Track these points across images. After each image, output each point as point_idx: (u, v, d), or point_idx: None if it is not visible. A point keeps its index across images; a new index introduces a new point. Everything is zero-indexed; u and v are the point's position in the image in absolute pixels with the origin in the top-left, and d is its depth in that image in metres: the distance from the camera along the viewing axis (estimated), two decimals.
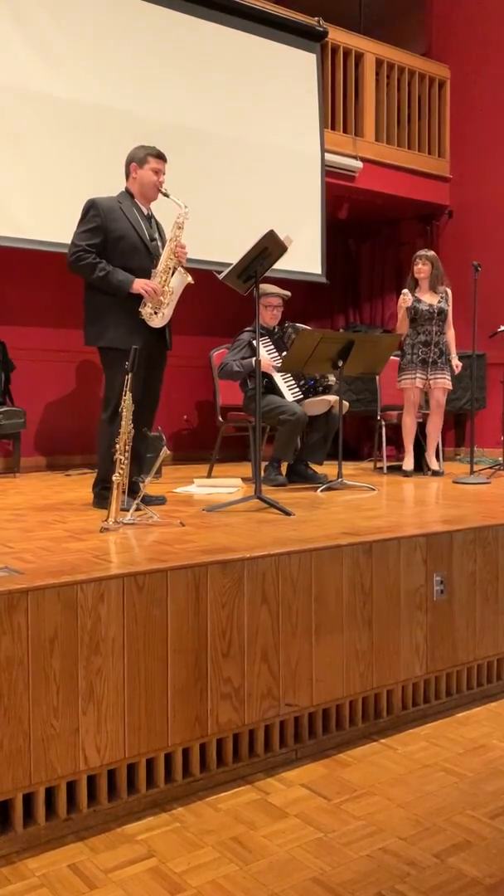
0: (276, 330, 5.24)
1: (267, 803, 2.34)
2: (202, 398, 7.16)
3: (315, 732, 2.72)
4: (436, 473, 5.54)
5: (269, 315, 5.19)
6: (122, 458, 3.27)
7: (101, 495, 3.83)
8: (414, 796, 2.37)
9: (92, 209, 3.77)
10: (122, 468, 3.25)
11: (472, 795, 2.37)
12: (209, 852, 2.07)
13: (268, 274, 3.99)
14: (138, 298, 3.75)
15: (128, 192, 3.90)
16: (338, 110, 7.10)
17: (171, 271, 3.81)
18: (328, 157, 6.85)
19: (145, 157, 3.85)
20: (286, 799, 2.37)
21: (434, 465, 5.61)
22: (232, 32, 6.38)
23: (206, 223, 6.19)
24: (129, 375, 3.29)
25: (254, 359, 3.80)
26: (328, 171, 6.87)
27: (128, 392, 3.29)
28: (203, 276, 5.96)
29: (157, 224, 3.98)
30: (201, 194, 6.20)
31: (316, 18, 6.79)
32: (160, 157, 3.88)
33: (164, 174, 3.89)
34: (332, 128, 7.03)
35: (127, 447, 3.29)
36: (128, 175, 3.91)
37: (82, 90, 5.63)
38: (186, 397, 7.14)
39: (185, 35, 6.14)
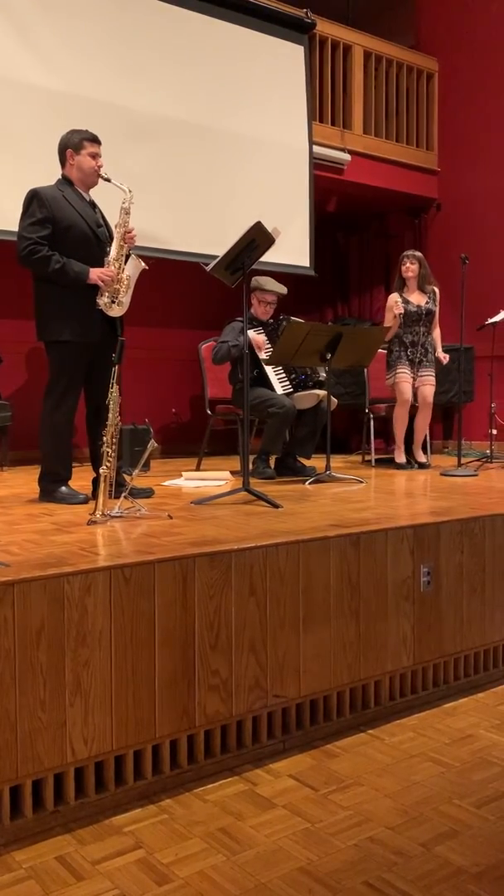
0: (269, 321, 5.22)
1: (255, 794, 2.35)
2: (191, 391, 7.15)
3: (303, 723, 2.72)
4: (422, 466, 5.56)
5: (262, 310, 5.15)
6: (110, 450, 3.26)
7: (48, 490, 3.80)
8: (401, 786, 2.38)
9: (35, 199, 3.63)
10: (109, 461, 3.24)
11: (459, 785, 2.38)
12: (197, 843, 2.07)
13: (256, 266, 3.98)
14: (94, 289, 3.66)
15: (66, 180, 3.76)
16: (326, 103, 7.09)
17: (123, 258, 3.73)
18: (316, 149, 6.84)
19: (81, 143, 3.71)
20: (274, 790, 2.37)
21: (421, 457, 5.63)
22: (220, 24, 6.35)
23: (194, 215, 6.19)
24: (117, 367, 3.27)
25: (245, 342, 3.77)
26: (316, 164, 6.86)
27: (114, 384, 3.28)
28: (191, 269, 5.95)
29: (100, 210, 3.87)
30: (189, 186, 6.19)
31: (304, 10, 6.77)
32: (96, 140, 3.75)
33: (101, 157, 3.76)
34: (321, 120, 7.02)
35: (114, 440, 3.28)
36: (63, 162, 3.76)
37: (69, 81, 5.60)
38: (175, 390, 7.13)
39: (173, 26, 6.11)
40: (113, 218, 3.79)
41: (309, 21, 6.79)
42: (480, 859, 1.98)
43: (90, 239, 3.71)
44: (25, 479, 4.82)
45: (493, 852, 2.01)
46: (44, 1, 5.48)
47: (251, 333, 4.83)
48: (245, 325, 3.81)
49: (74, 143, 3.72)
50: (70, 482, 3.83)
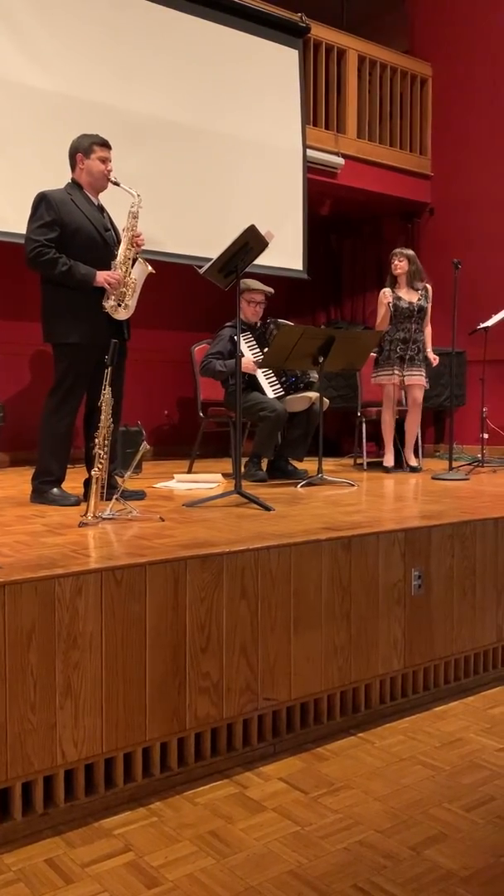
0: (257, 325, 5.23)
1: (244, 797, 2.35)
2: (183, 393, 7.15)
3: (293, 726, 2.72)
4: (414, 469, 5.57)
5: (252, 311, 5.17)
6: (102, 452, 3.25)
7: (40, 490, 3.80)
8: (391, 789, 2.38)
9: (44, 202, 3.65)
10: (101, 463, 3.24)
11: (449, 788, 2.39)
12: (186, 846, 2.07)
13: (249, 269, 3.99)
14: (101, 292, 3.68)
15: (76, 184, 3.79)
16: (320, 107, 7.10)
17: (130, 262, 3.75)
18: (310, 153, 6.86)
19: (91, 147, 3.73)
20: (264, 793, 2.37)
21: (412, 461, 5.64)
22: (214, 27, 6.36)
23: (188, 218, 6.19)
24: (109, 369, 3.27)
25: (235, 358, 3.79)
26: (310, 168, 6.88)
27: (107, 386, 3.28)
28: (184, 271, 5.96)
29: (108, 214, 3.89)
30: (182, 188, 6.19)
31: (298, 14, 6.79)
32: (105, 145, 3.77)
33: (110, 162, 3.78)
34: (315, 124, 7.04)
35: (106, 442, 3.28)
36: (73, 166, 3.79)
37: (64, 83, 5.60)
38: (167, 392, 7.12)
39: (167, 29, 6.12)
40: (121, 222, 3.81)
41: (303, 25, 6.81)
42: (470, 863, 1.99)
43: (97, 242, 3.73)
44: (17, 481, 4.81)
45: (483, 856, 2.02)
46: (37, 2, 5.48)
47: (244, 360, 4.83)
48: (238, 330, 3.81)
49: (84, 147, 3.75)
50: (63, 484, 3.83)
